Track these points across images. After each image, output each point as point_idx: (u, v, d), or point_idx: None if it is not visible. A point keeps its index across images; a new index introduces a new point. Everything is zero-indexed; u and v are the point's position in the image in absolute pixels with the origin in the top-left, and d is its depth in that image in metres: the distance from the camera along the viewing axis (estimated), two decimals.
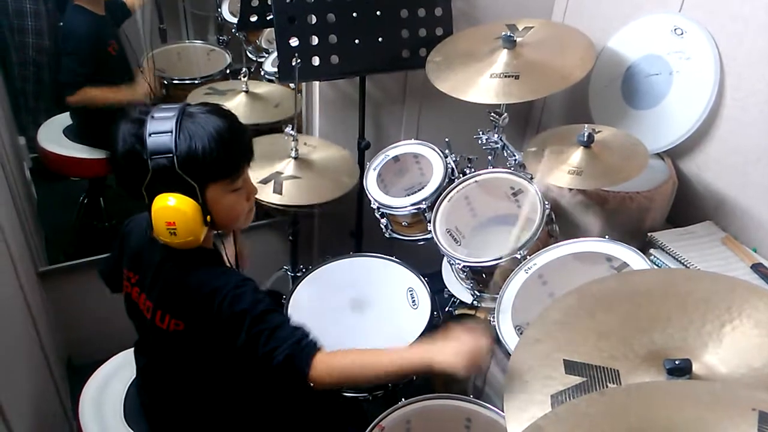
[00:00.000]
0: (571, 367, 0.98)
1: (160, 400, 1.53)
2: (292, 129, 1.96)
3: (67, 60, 2.26)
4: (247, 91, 2.26)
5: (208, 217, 1.26)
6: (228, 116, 1.28)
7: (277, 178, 1.94)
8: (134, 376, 1.62)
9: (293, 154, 2.00)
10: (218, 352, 1.33)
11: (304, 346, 1.25)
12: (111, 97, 2.30)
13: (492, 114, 1.95)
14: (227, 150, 1.25)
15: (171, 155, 1.18)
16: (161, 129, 1.20)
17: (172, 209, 1.21)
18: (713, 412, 0.75)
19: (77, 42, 2.23)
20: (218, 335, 1.28)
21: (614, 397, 0.84)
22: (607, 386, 0.95)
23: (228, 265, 1.44)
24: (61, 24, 2.26)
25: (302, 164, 2.01)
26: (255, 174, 1.88)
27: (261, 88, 2.33)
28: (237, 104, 2.24)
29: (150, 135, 1.19)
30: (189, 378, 1.43)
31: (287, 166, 1.99)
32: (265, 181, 1.92)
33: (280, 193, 1.91)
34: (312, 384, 1.25)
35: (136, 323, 1.46)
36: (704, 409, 0.76)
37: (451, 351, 1.21)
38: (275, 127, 2.23)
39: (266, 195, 1.90)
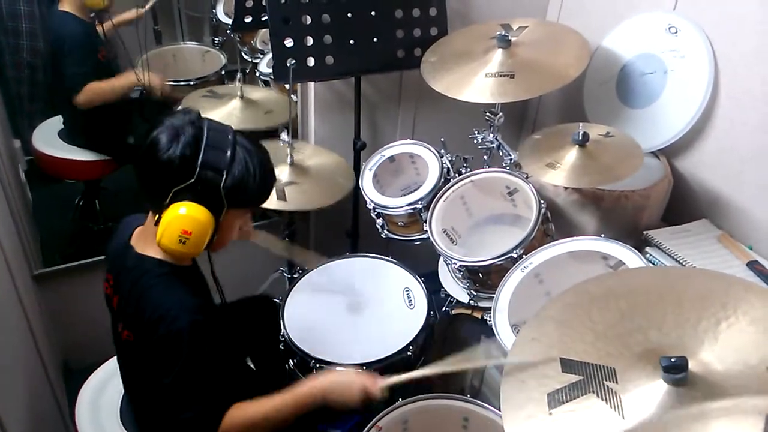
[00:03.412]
0: (567, 365, 0.98)
1: (138, 405, 1.53)
2: (288, 134, 1.96)
3: (66, 64, 2.24)
4: (242, 96, 2.25)
5: (214, 237, 1.28)
6: (267, 154, 1.34)
7: (277, 185, 1.93)
8: None
9: (288, 160, 1.99)
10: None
11: (212, 415, 1.27)
12: (118, 86, 2.30)
13: (487, 113, 1.95)
14: (267, 184, 1.33)
15: (222, 173, 1.22)
16: (219, 146, 1.23)
17: (195, 220, 1.22)
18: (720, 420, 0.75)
19: (71, 44, 2.22)
20: (152, 357, 1.28)
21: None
22: (603, 384, 0.95)
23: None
24: (50, 30, 2.24)
25: (298, 170, 2.01)
26: None
27: (256, 93, 2.32)
28: (232, 109, 2.23)
29: (209, 147, 1.21)
30: (147, 387, 1.42)
31: (283, 173, 1.98)
32: None
33: (285, 200, 1.90)
34: None
35: (111, 320, 1.46)
36: (712, 418, 0.76)
37: (342, 384, 1.38)
38: (270, 132, 2.23)
39: (270, 202, 1.88)
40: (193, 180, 1.21)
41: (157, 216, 1.25)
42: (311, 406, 1.37)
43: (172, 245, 1.23)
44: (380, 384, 1.39)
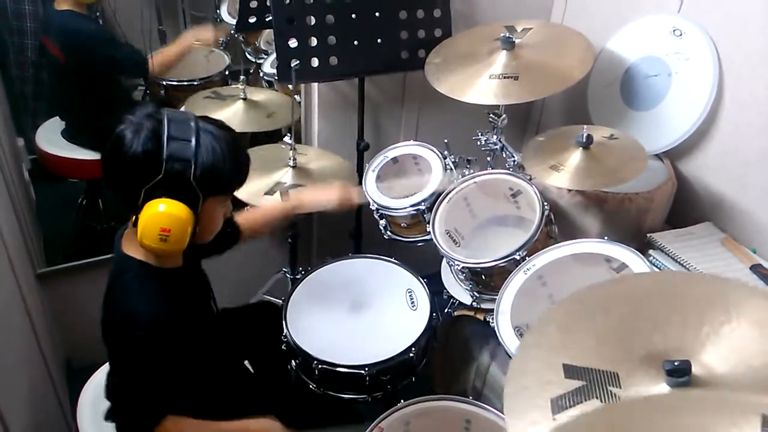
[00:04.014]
0: (570, 371, 0.98)
1: None
2: (290, 137, 1.96)
3: (112, 53, 2.24)
4: (245, 98, 2.25)
5: (197, 229, 1.26)
6: (235, 133, 1.31)
7: (281, 189, 1.92)
8: None
9: (291, 163, 1.99)
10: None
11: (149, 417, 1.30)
12: (182, 48, 2.36)
13: (491, 115, 1.95)
14: (240, 166, 1.30)
15: (189, 164, 1.18)
16: (182, 136, 1.19)
17: (171, 216, 1.20)
18: (718, 418, 0.74)
19: (101, 38, 2.24)
20: (112, 355, 1.31)
21: (619, 409, 0.84)
22: (607, 389, 0.94)
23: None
24: (62, 32, 2.23)
25: (301, 172, 2.00)
26: (256, 186, 1.88)
27: (259, 94, 2.31)
28: (235, 111, 2.23)
29: (171, 139, 1.18)
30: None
31: (286, 176, 1.97)
32: (270, 193, 1.91)
33: None
34: None
35: None
36: (709, 415, 0.76)
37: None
38: (274, 133, 2.23)
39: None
40: (161, 175, 1.18)
41: (134, 216, 1.24)
42: None
43: (154, 244, 1.22)
44: None
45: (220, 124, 1.28)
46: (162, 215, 1.20)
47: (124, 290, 1.29)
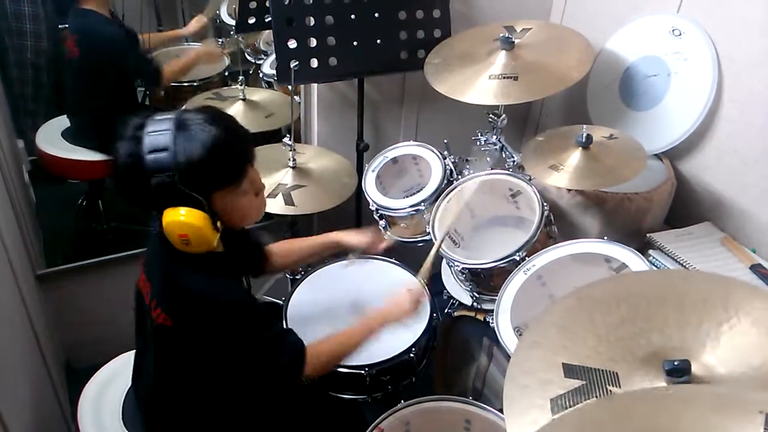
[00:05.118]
0: (570, 370, 0.98)
1: (153, 399, 1.52)
2: (289, 137, 1.96)
3: (132, 61, 2.28)
4: (244, 99, 2.24)
5: (219, 223, 1.27)
6: (224, 120, 1.27)
7: (283, 190, 1.93)
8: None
9: (291, 163, 1.99)
10: (204, 354, 1.35)
11: (288, 368, 1.37)
12: (192, 60, 2.38)
13: (490, 115, 1.95)
14: (227, 158, 1.25)
15: (171, 172, 1.18)
16: (158, 145, 1.18)
17: (182, 223, 1.21)
18: (719, 416, 0.75)
19: (123, 44, 2.25)
20: (206, 340, 1.31)
21: (619, 403, 0.84)
22: (606, 389, 0.94)
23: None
24: (84, 32, 2.24)
25: (301, 173, 2.01)
26: None
27: (258, 94, 2.32)
28: (236, 112, 2.23)
29: (148, 153, 1.18)
30: (178, 375, 1.43)
31: (286, 176, 1.98)
32: (272, 195, 1.92)
33: (293, 204, 1.90)
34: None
35: (138, 311, 1.46)
36: (710, 412, 0.76)
37: (395, 305, 1.52)
38: (275, 133, 2.24)
39: (279, 208, 1.90)
40: (153, 189, 1.18)
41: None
42: (378, 329, 1.49)
43: (181, 247, 1.25)
44: (417, 286, 1.59)
45: (204, 117, 1.24)
46: (175, 223, 1.21)
47: (191, 276, 1.30)
